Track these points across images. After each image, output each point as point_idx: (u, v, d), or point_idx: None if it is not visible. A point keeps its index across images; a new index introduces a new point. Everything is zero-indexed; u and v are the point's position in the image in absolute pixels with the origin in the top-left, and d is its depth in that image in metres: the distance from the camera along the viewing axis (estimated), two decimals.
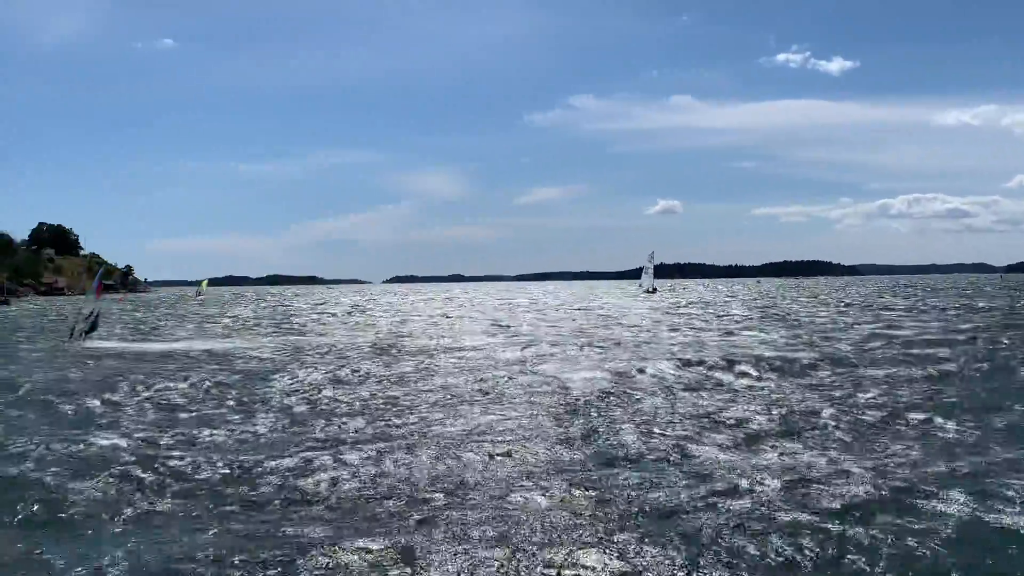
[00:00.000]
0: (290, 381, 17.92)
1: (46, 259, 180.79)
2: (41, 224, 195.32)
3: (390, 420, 12.98)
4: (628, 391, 15.40)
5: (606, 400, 14.47)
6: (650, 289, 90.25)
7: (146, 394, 16.21)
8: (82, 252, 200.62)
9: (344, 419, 13.17)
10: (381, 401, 15.05)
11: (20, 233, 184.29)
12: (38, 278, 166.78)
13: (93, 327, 30.74)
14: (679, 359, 20.17)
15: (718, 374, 17.96)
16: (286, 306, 74.40)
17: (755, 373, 18.02)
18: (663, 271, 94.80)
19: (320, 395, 15.87)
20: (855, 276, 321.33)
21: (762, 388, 16.04)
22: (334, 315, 53.98)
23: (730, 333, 30.16)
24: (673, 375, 17.74)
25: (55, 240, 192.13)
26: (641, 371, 18.19)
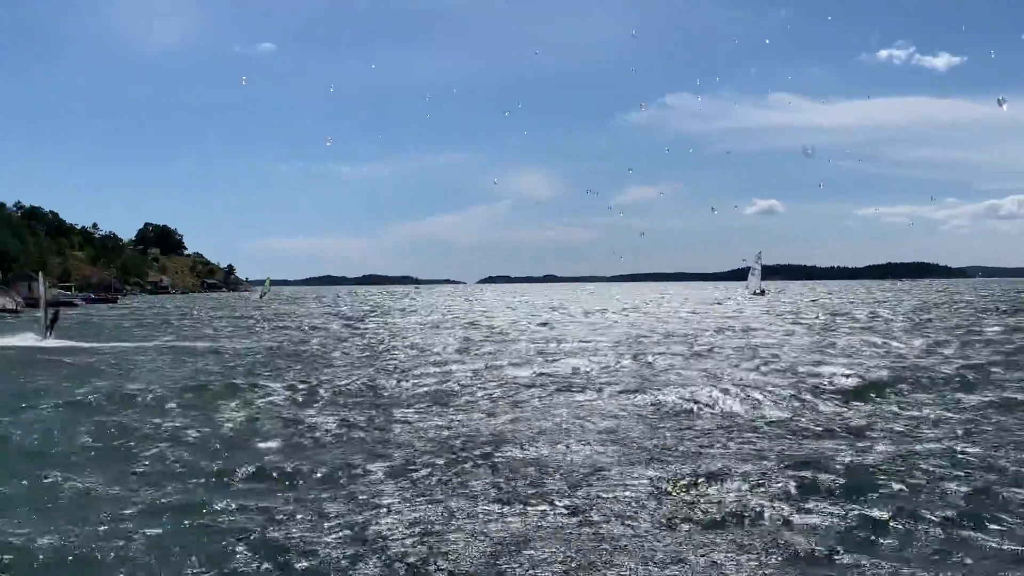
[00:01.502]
0: None
1: (151, 258, 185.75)
2: (147, 224, 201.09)
3: None
4: None
5: None
6: (758, 291, 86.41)
7: None
8: (185, 252, 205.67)
9: None
10: None
11: (127, 233, 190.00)
12: (144, 277, 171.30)
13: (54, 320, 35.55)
14: None
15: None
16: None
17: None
18: (762, 272, 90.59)
19: None
20: (962, 279, 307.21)
21: None
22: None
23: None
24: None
25: (160, 240, 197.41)
26: None
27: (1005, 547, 6.82)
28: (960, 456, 10.06)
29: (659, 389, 16.01)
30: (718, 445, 11.15)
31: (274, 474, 9.76)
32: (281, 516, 7.91)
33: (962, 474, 9.15)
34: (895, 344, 26.58)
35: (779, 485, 8.66)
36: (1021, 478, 9.00)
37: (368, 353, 26.50)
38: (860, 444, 11.11)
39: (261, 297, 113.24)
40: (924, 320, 42.31)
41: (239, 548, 6.92)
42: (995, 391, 15.74)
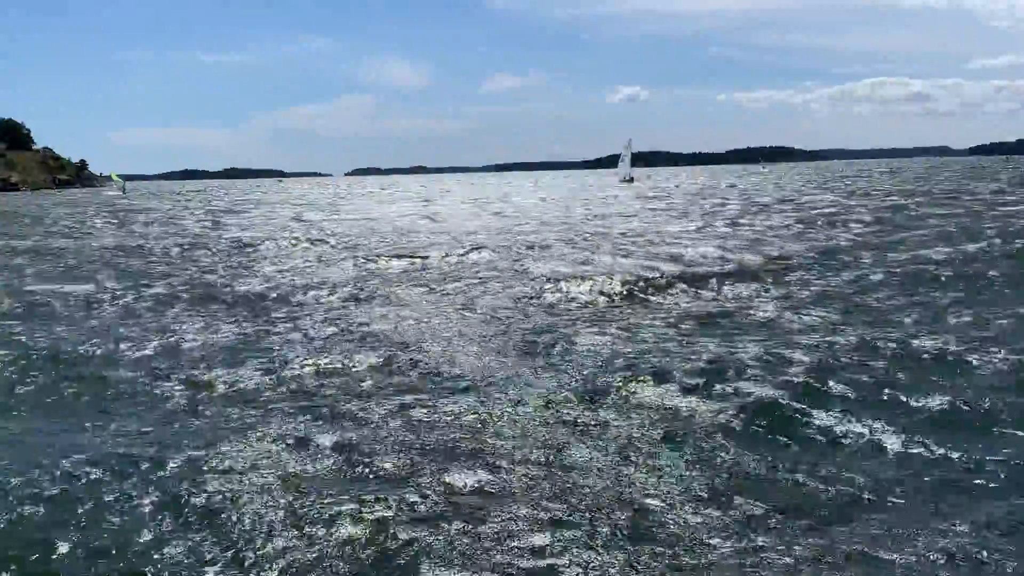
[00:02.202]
0: None
1: None
2: None
3: None
4: None
5: None
6: (627, 178, 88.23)
7: None
8: (34, 147, 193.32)
9: None
10: None
11: None
12: None
13: None
14: None
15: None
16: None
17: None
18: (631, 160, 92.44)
19: None
20: (821, 161, 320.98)
21: None
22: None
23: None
24: None
25: (4, 134, 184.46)
26: None
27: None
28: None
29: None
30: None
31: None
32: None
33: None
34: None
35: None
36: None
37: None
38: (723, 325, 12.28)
39: (124, 192, 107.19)
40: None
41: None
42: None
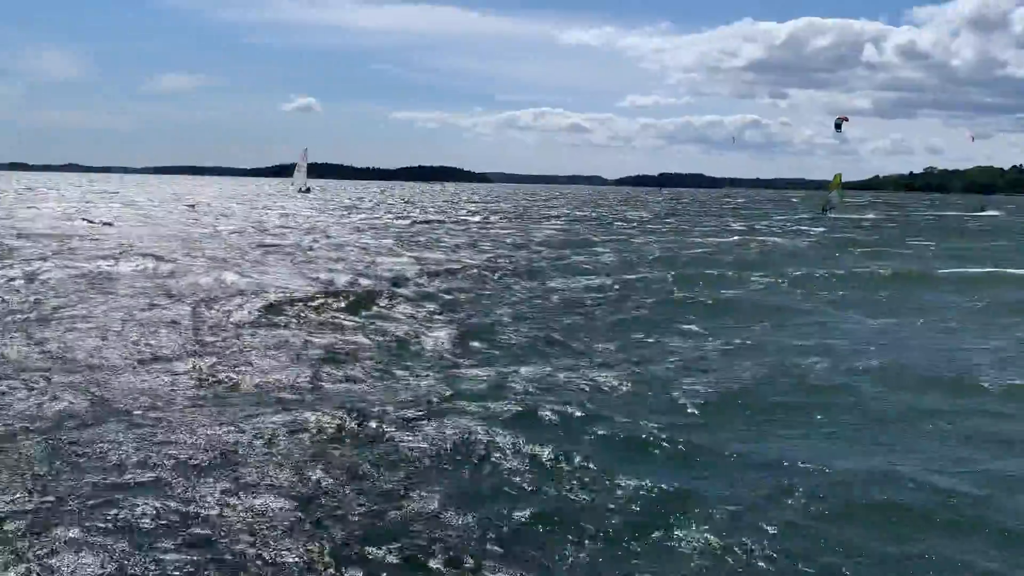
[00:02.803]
0: None
1: None
2: None
3: None
4: None
5: None
6: (304, 188, 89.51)
7: None
8: None
9: None
10: None
11: None
12: None
13: None
14: None
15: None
16: None
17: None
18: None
19: None
20: (485, 183, 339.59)
21: None
22: None
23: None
24: None
25: None
26: None
27: None
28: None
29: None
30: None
31: None
32: None
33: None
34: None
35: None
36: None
37: None
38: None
39: None
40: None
41: None
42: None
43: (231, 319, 13.76)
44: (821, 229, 45.85)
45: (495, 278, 20.17)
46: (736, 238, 38.41)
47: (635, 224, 51.24)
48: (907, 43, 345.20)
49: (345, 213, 53.20)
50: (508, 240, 33.57)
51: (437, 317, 14.40)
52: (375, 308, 15.08)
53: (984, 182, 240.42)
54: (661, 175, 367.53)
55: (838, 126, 61.73)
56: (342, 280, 18.57)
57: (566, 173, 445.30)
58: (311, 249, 26.70)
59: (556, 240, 34.25)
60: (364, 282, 18.54)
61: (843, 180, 66.98)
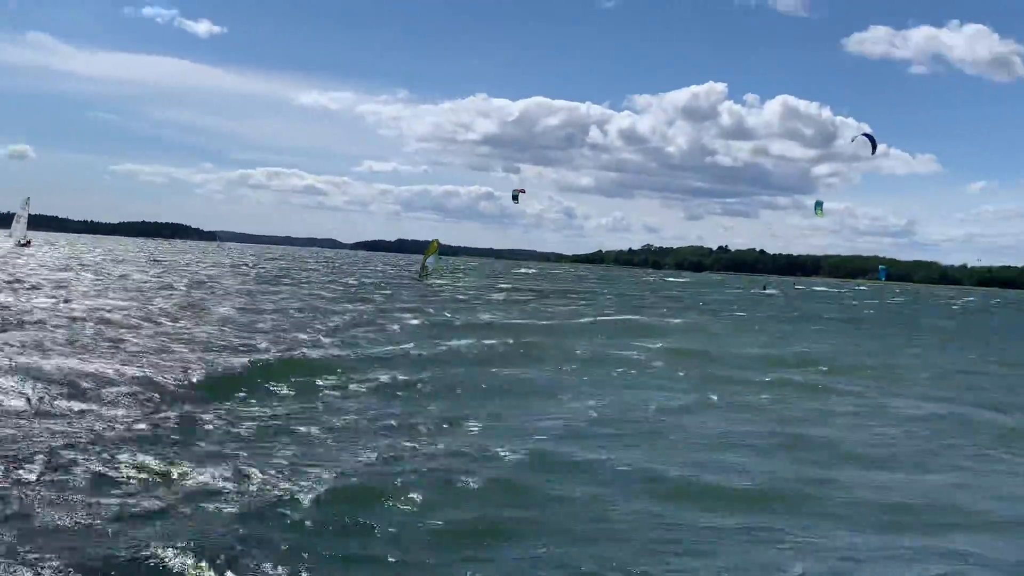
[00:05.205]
0: None
1: None
2: None
3: None
4: None
5: None
6: (24, 241, 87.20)
7: None
8: None
9: None
10: None
11: None
12: None
13: None
14: None
15: None
16: None
17: None
18: (7, 222, 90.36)
19: None
20: (214, 242, 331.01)
21: None
22: None
23: None
24: None
25: None
26: None
27: None
28: None
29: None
30: None
31: None
32: None
33: None
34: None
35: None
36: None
37: None
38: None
39: None
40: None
41: None
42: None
43: None
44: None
45: None
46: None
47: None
48: (628, 127, 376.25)
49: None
50: None
51: None
52: None
53: (694, 260, 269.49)
54: (398, 240, 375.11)
55: (515, 197, 66.84)
56: None
57: (301, 235, 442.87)
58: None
59: None
60: None
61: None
